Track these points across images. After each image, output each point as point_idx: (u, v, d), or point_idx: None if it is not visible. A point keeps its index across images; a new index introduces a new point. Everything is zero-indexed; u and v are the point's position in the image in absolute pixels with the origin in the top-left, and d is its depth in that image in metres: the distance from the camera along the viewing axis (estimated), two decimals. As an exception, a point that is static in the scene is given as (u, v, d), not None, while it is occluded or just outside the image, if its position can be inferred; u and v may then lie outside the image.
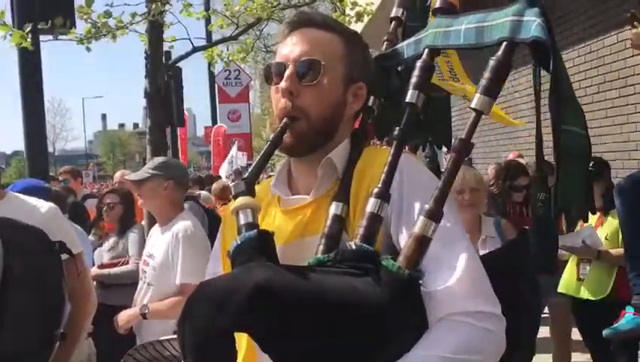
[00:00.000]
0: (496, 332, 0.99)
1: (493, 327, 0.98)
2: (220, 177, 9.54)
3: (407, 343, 0.96)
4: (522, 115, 6.75)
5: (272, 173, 1.36)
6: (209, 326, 0.91)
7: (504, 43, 0.99)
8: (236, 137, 13.17)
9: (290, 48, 1.17)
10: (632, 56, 4.52)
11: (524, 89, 6.48)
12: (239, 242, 1.02)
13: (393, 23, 1.35)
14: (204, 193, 6.48)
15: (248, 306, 0.89)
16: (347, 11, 6.87)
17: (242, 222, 1.05)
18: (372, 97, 1.24)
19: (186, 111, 15.44)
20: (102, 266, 3.96)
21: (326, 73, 1.15)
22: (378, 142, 1.40)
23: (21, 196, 2.25)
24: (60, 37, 4.65)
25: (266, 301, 0.90)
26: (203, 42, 7.20)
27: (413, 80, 1.11)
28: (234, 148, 11.61)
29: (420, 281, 0.97)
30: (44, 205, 2.21)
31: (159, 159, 3.18)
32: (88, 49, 4.68)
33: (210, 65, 6.82)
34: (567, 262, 3.69)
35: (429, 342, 0.95)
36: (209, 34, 9.59)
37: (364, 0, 6.88)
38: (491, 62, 0.98)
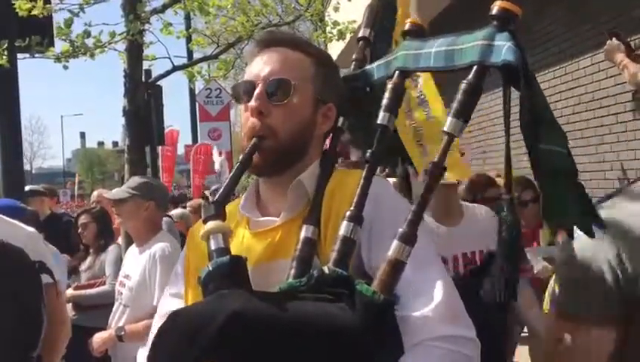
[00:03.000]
0: (470, 356, 0.98)
1: (468, 351, 0.98)
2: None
3: None
4: (497, 136, 6.83)
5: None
6: (181, 357, 0.89)
7: (475, 67, 0.99)
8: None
9: (260, 67, 1.17)
10: (606, 78, 4.61)
11: (497, 111, 6.56)
12: (211, 268, 1.00)
13: (361, 43, 1.35)
14: (179, 211, 6.44)
15: (221, 337, 0.87)
16: (328, 30, 6.92)
17: (213, 247, 1.03)
18: (341, 118, 1.23)
19: (174, 127, 15.34)
20: (78, 287, 3.89)
21: (296, 93, 1.14)
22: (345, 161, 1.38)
23: (3, 217, 2.20)
24: (37, 55, 4.61)
25: (239, 331, 0.88)
26: (184, 61, 7.19)
27: (385, 102, 1.11)
28: (215, 153, 11.71)
29: (395, 306, 0.96)
30: (25, 230, 2.17)
31: (140, 179, 3.14)
32: (65, 67, 4.64)
33: (190, 81, 6.81)
34: (547, 281, 3.71)
35: None
36: (190, 52, 9.60)
37: (346, 17, 6.94)
38: (463, 86, 0.99)
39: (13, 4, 4.30)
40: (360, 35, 1.36)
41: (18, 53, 4.57)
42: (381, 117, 1.10)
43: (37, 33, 4.41)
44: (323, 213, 1.10)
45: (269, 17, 7.24)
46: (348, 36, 7.02)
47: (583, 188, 1.04)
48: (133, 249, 3.02)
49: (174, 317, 0.94)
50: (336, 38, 6.80)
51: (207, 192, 11.20)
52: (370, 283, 0.96)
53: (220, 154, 10.62)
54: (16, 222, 2.20)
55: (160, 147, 10.66)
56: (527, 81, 0.96)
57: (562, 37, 5.36)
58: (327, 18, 7.38)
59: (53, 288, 2.13)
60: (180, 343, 0.89)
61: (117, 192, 3.01)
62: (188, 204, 7.24)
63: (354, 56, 1.35)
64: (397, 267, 0.95)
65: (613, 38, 2.97)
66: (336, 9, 7.03)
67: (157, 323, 1.20)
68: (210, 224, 1.05)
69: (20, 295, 1.90)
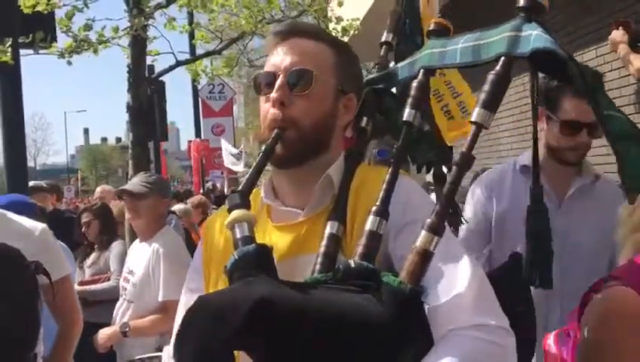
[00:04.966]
0: (503, 346, 0.96)
1: (499, 340, 0.95)
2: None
3: (411, 360, 0.93)
4: (504, 128, 6.81)
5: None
6: (209, 340, 0.88)
7: (502, 58, 1.00)
8: (220, 151, 13.14)
9: (281, 58, 1.16)
10: (611, 70, 4.59)
11: (506, 103, 6.54)
12: (237, 257, 0.99)
13: (384, 47, 1.37)
14: (182, 206, 6.46)
15: (249, 321, 0.87)
16: (332, 26, 6.90)
17: (238, 236, 1.02)
18: (365, 118, 1.23)
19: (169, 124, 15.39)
20: (83, 283, 3.90)
21: (317, 83, 1.14)
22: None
23: (10, 215, 2.17)
24: (41, 51, 4.61)
25: (267, 316, 0.88)
26: (187, 56, 7.17)
27: (410, 99, 1.11)
28: (223, 142, 11.78)
29: (423, 297, 0.95)
30: (36, 227, 2.15)
31: (153, 175, 3.13)
32: (69, 63, 4.64)
33: (194, 80, 6.81)
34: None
35: (433, 358, 0.93)
36: (193, 47, 9.58)
37: (350, 14, 6.92)
38: (490, 77, 0.99)
39: (17, 0, 4.30)
40: (382, 39, 1.37)
41: (22, 50, 4.57)
42: (407, 113, 1.10)
43: (40, 29, 4.40)
44: (349, 210, 1.09)
45: (272, 12, 7.21)
46: (351, 33, 6.99)
47: None
48: (137, 244, 3.02)
49: (202, 301, 0.93)
50: (340, 34, 6.77)
51: (209, 184, 11.26)
52: (397, 276, 0.95)
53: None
54: (25, 220, 2.19)
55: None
56: (570, 57, 0.97)
57: (566, 30, 5.34)
58: (330, 13, 7.34)
59: (59, 286, 2.13)
60: (208, 325, 0.88)
61: (135, 186, 2.91)
62: (188, 200, 7.27)
63: (376, 60, 1.37)
64: (425, 257, 0.94)
65: (620, 28, 2.95)
66: (340, 4, 7.00)
67: (180, 317, 1.21)
68: (236, 213, 1.04)
69: (15, 295, 1.90)
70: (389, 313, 0.91)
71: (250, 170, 1.12)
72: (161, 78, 7.15)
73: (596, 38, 4.67)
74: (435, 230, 0.95)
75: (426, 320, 0.95)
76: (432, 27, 1.19)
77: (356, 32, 6.86)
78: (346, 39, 7.56)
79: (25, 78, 4.88)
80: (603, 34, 3.17)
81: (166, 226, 3.03)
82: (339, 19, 6.79)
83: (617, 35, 2.96)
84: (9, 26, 4.48)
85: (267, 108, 1.15)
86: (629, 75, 3.83)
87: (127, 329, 2.81)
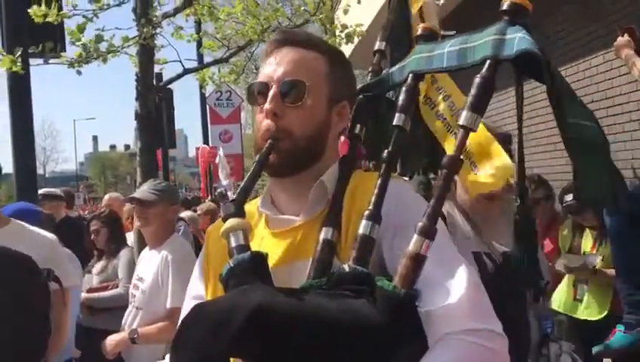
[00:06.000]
0: (497, 351, 0.96)
1: (493, 345, 0.96)
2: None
3: None
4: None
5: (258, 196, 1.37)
6: (206, 349, 0.89)
7: (487, 61, 1.00)
8: (227, 158, 13.15)
9: (274, 68, 1.16)
10: (619, 76, 4.58)
11: (511, 110, 6.52)
12: (232, 265, 1.00)
13: (377, 55, 1.39)
14: (189, 213, 6.48)
15: (246, 330, 0.87)
16: (337, 33, 6.93)
17: (233, 244, 1.03)
18: (358, 125, 1.24)
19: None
20: (91, 290, 3.91)
21: (310, 93, 1.14)
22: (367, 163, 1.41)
23: (26, 226, 2.23)
24: (51, 61, 4.65)
25: (263, 323, 0.88)
26: (194, 64, 7.22)
27: (400, 103, 1.12)
28: (220, 155, 11.75)
29: (417, 302, 0.95)
30: (45, 237, 2.21)
31: (162, 182, 3.15)
32: (79, 72, 4.68)
33: (201, 86, 6.85)
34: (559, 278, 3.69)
35: None
36: (200, 56, 9.64)
37: (353, 21, 6.94)
38: (476, 80, 1.00)
39: (27, 11, 4.34)
40: (376, 47, 1.40)
41: (32, 59, 4.61)
42: (397, 118, 1.11)
43: (48, 39, 4.44)
44: (343, 215, 1.10)
45: (278, 20, 7.25)
46: (355, 40, 7.02)
47: (612, 167, 1.05)
48: (147, 252, 3.04)
49: (198, 309, 0.94)
50: (345, 41, 6.80)
51: (222, 189, 11.18)
52: (391, 280, 0.96)
53: (231, 169, 10.56)
54: (36, 230, 2.23)
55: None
56: (547, 61, 0.97)
57: (574, 35, 5.33)
58: (336, 21, 7.37)
59: (59, 293, 2.15)
60: (204, 335, 0.89)
61: (144, 194, 2.92)
62: (198, 207, 7.32)
63: (370, 68, 1.38)
64: (418, 261, 0.95)
65: (625, 35, 2.96)
66: (345, 11, 7.03)
67: None
68: (230, 221, 1.05)
69: (27, 304, 1.92)
70: (383, 317, 0.92)
71: (245, 178, 1.13)
72: (169, 86, 7.20)
73: (602, 45, 4.67)
74: (427, 233, 0.95)
75: (421, 323, 0.95)
76: (419, 32, 1.20)
77: (359, 38, 6.89)
78: (351, 46, 7.58)
79: (34, 85, 4.93)
80: (610, 40, 3.17)
81: (175, 233, 3.04)
82: (343, 27, 6.82)
83: (623, 40, 2.98)
84: (19, 35, 4.53)
85: (261, 119, 1.16)
86: (636, 80, 3.82)
87: (135, 336, 2.81)
